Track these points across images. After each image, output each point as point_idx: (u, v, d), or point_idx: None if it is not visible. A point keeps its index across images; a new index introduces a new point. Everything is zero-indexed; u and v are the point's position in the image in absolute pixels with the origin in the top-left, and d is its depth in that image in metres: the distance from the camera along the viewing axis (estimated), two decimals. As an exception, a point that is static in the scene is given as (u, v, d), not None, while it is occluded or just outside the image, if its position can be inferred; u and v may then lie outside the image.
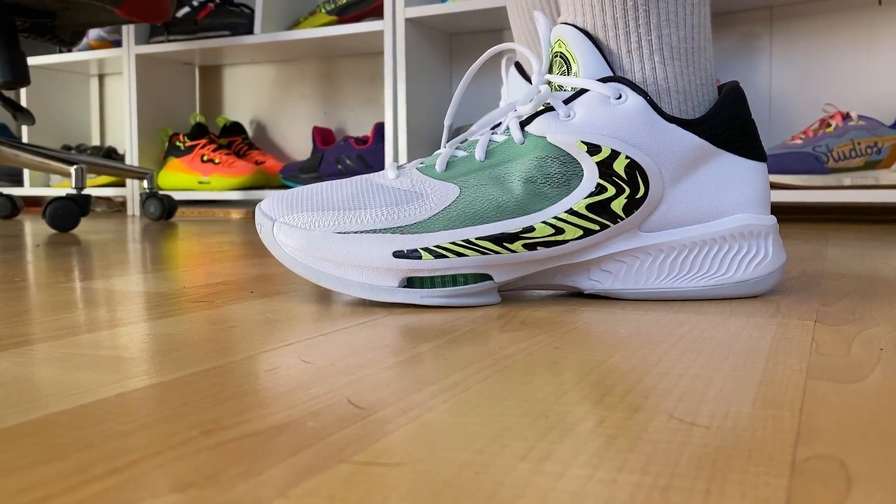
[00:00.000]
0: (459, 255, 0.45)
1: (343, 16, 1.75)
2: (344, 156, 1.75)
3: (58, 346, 0.35)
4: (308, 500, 0.18)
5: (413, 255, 0.45)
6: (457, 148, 0.49)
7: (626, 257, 0.47)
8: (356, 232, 0.46)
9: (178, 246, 0.96)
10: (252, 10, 1.94)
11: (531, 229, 0.45)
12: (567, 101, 0.46)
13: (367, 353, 0.34)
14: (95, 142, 2.35)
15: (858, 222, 1.37)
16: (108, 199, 2.25)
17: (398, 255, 0.45)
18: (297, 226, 0.47)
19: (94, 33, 2.09)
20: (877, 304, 0.46)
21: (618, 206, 0.45)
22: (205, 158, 1.90)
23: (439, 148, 1.77)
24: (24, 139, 2.16)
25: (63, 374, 0.30)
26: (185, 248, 0.92)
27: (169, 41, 1.92)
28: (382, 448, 0.21)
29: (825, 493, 0.18)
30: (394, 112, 1.65)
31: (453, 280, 0.46)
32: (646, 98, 0.45)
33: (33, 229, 1.34)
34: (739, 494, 0.18)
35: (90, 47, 2.08)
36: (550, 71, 0.49)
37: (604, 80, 0.46)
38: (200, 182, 1.88)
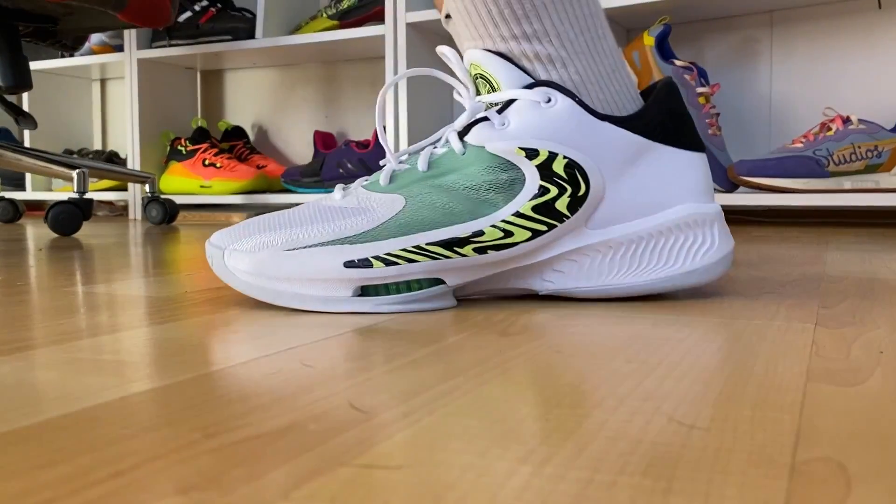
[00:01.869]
0: (410, 261, 0.46)
1: (344, 20, 1.76)
2: (345, 160, 1.76)
3: (60, 351, 0.35)
4: (309, 502, 0.18)
5: (364, 263, 0.46)
6: (400, 162, 0.50)
7: (576, 256, 0.48)
8: (305, 247, 0.46)
9: (179, 250, 0.97)
10: (253, 15, 1.95)
11: (480, 233, 0.46)
12: (499, 112, 0.48)
13: (367, 357, 0.34)
14: (97, 146, 2.36)
15: (859, 226, 1.37)
16: (109, 203, 2.25)
17: (349, 265, 0.46)
18: (245, 250, 0.47)
19: (95, 38, 2.10)
20: (877, 307, 0.47)
21: (562, 205, 0.46)
22: (206, 162, 1.90)
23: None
24: (27, 143, 2.17)
25: (65, 378, 0.30)
26: (187, 253, 0.92)
27: (171, 46, 1.92)
28: (383, 451, 0.22)
29: (824, 496, 0.18)
30: (395, 117, 1.66)
31: (407, 286, 0.46)
32: (574, 99, 0.46)
33: (35, 233, 1.34)
34: (739, 496, 0.18)
35: (92, 52, 2.09)
36: (478, 93, 0.50)
37: (529, 86, 0.47)
38: (202, 186, 1.89)
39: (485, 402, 0.27)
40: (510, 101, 0.47)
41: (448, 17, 0.70)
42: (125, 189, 2.03)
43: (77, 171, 1.29)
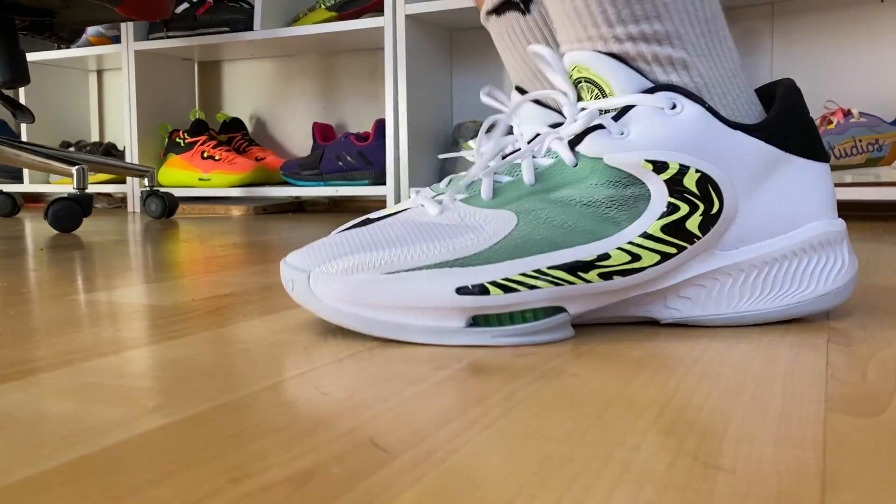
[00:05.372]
0: (531, 287, 0.41)
1: (343, 12, 1.74)
2: (345, 152, 1.75)
3: (69, 375, 0.35)
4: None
5: (480, 290, 0.41)
6: (496, 173, 0.45)
7: (705, 280, 0.44)
8: (409, 270, 0.41)
9: (181, 250, 0.96)
10: (251, 5, 1.93)
11: (606, 256, 0.42)
12: (615, 119, 0.43)
13: (384, 382, 0.34)
14: (95, 137, 2.35)
15: (860, 219, 1.37)
16: (108, 195, 2.24)
17: (462, 291, 0.41)
18: (337, 272, 0.42)
19: (92, 29, 2.08)
20: (886, 318, 0.46)
21: (693, 224, 0.42)
22: (205, 155, 1.89)
23: (440, 147, 1.76)
24: (24, 136, 2.15)
25: (79, 408, 0.30)
26: (189, 253, 0.92)
27: (168, 37, 1.91)
28: (412, 500, 0.21)
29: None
30: (394, 109, 1.65)
31: (522, 316, 0.41)
32: (703, 105, 0.43)
33: (34, 229, 1.34)
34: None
35: (89, 43, 2.07)
36: (580, 99, 0.46)
37: (650, 91, 0.43)
38: (201, 179, 1.88)
39: (506, 438, 0.26)
40: (627, 108, 0.43)
41: (490, 13, 0.68)
42: (124, 182, 2.03)
43: (76, 167, 1.28)
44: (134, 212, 1.98)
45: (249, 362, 0.38)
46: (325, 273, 0.42)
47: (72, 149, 2.14)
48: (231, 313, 0.51)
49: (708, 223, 0.42)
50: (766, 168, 0.44)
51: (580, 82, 0.45)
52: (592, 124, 0.43)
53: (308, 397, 0.32)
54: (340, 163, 1.75)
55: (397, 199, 1.67)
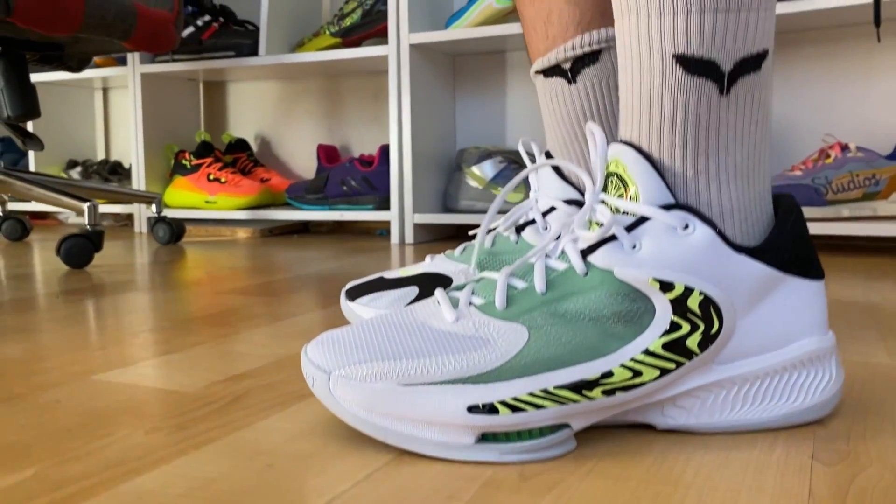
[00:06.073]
0: (538, 406, 0.43)
1: (347, 38, 1.77)
2: (349, 177, 1.78)
3: (106, 501, 0.38)
4: None
5: (489, 409, 0.43)
6: (511, 274, 0.48)
7: (700, 392, 0.46)
8: (424, 384, 0.43)
9: (192, 298, 0.99)
10: (256, 27, 1.96)
11: (609, 374, 0.44)
12: (629, 229, 0.45)
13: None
14: (101, 154, 2.37)
15: (858, 253, 1.39)
16: (115, 214, 2.27)
17: (473, 409, 0.43)
18: (357, 378, 0.44)
19: (98, 51, 2.11)
20: (871, 420, 0.49)
21: (693, 342, 0.45)
22: (211, 177, 1.92)
23: (444, 172, 1.79)
24: (31, 155, 2.18)
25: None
26: (200, 302, 0.95)
27: (174, 61, 1.93)
28: None
29: None
30: (398, 135, 1.67)
31: (528, 432, 0.44)
32: (714, 229, 0.45)
33: (45, 261, 1.36)
34: None
35: (95, 64, 2.10)
36: (605, 189, 0.48)
37: (667, 207, 0.45)
38: (207, 201, 1.91)
39: None
40: (642, 219, 0.45)
41: (539, 73, 0.68)
42: (130, 202, 2.05)
43: (87, 204, 1.31)
44: (141, 232, 2.00)
45: (275, 486, 0.40)
46: (344, 378, 0.44)
47: (78, 168, 2.17)
48: (249, 405, 0.54)
49: (707, 342, 0.45)
50: (764, 289, 0.46)
51: (611, 175, 0.47)
52: (608, 235, 0.45)
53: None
54: (345, 187, 1.78)
55: (401, 226, 1.69)
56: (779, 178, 1.38)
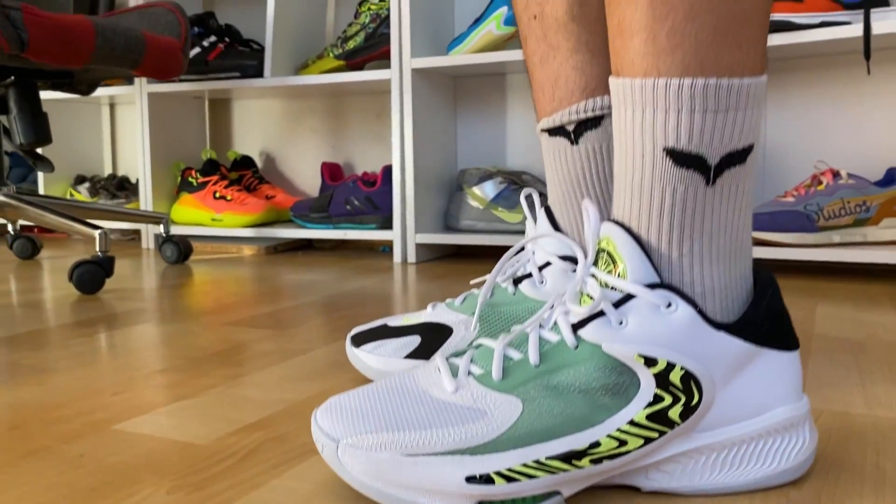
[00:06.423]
0: (531, 476, 0.47)
1: (350, 60, 1.80)
2: (353, 197, 1.81)
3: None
4: None
5: (486, 479, 0.46)
6: (507, 344, 0.51)
7: (681, 458, 0.50)
8: (425, 454, 0.47)
9: (202, 333, 1.02)
10: (261, 46, 1.99)
11: (597, 444, 0.47)
12: (617, 305, 0.48)
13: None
14: (108, 169, 2.41)
15: (849, 278, 1.43)
16: (121, 229, 2.31)
17: (471, 479, 0.46)
18: (363, 447, 0.48)
19: (106, 69, 2.14)
20: (842, 478, 0.53)
21: (675, 413, 0.48)
22: (217, 195, 1.95)
23: (445, 192, 1.82)
24: (40, 178, 2.22)
25: None
26: (210, 339, 0.98)
27: (180, 81, 1.97)
28: None
29: None
30: (401, 156, 1.71)
31: (523, 500, 0.47)
32: (695, 308, 0.48)
33: (56, 287, 1.40)
34: None
35: (104, 84, 2.13)
36: (596, 263, 0.51)
37: (652, 286, 0.48)
38: (213, 219, 1.94)
39: None
40: (629, 296, 0.48)
41: (544, 131, 0.72)
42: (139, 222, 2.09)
43: (99, 231, 1.35)
44: (148, 248, 2.04)
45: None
46: (352, 447, 0.48)
47: (87, 183, 2.20)
48: (263, 460, 0.57)
49: (688, 412, 0.48)
50: (741, 362, 0.49)
51: (602, 251, 0.50)
52: (596, 311, 0.49)
53: None
54: (348, 206, 1.81)
55: (403, 245, 1.73)
56: (772, 204, 1.42)
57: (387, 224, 1.78)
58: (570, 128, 0.69)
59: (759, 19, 0.48)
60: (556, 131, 0.70)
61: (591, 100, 0.67)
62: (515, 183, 1.72)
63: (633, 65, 0.48)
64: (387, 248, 1.97)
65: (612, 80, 0.51)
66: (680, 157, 0.48)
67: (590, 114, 0.67)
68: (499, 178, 1.72)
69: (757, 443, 0.50)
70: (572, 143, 0.69)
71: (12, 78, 1.43)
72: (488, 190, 1.71)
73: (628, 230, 0.49)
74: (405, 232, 1.73)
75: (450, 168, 1.86)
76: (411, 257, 1.73)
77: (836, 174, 1.40)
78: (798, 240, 1.38)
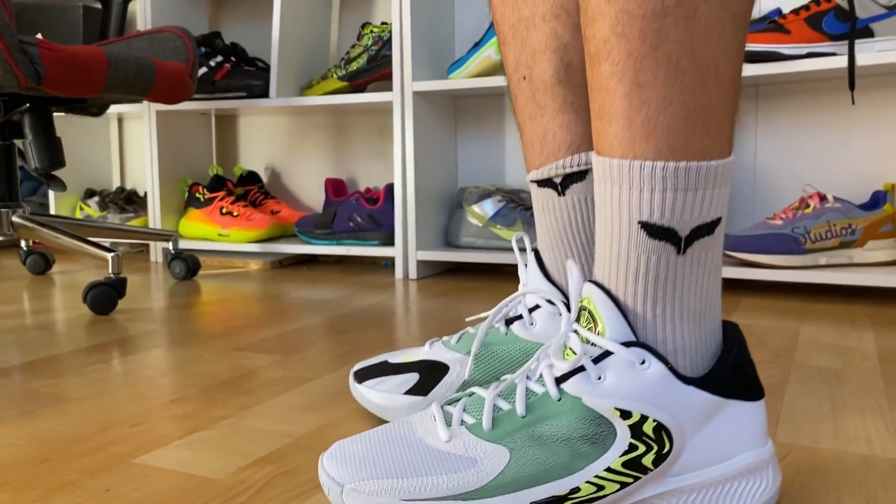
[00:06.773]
0: None
1: (354, 81, 1.85)
2: (356, 214, 1.86)
3: None
4: None
5: None
6: (497, 395, 0.56)
7: (654, 500, 0.55)
8: (422, 500, 0.52)
9: (213, 359, 1.08)
10: (267, 65, 2.04)
11: (577, 490, 0.52)
12: (596, 360, 0.54)
13: None
14: (116, 182, 2.46)
15: (833, 300, 1.47)
16: (130, 242, 2.36)
17: None
18: (365, 492, 0.53)
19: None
20: (804, 518, 0.58)
21: (648, 460, 0.53)
22: (223, 211, 2.01)
23: (446, 209, 1.87)
24: (50, 194, 2.27)
25: None
26: (221, 366, 1.03)
27: (188, 100, 2.02)
28: None
29: None
30: (402, 175, 1.76)
31: None
32: (666, 365, 0.53)
33: (70, 307, 1.45)
34: None
35: (111, 100, 2.18)
36: (578, 319, 0.56)
37: (627, 344, 0.53)
38: (220, 234, 2.00)
39: None
40: (607, 353, 0.53)
41: (533, 182, 0.77)
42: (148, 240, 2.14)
43: (111, 254, 1.40)
44: (156, 262, 2.09)
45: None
46: (355, 491, 0.54)
47: (96, 197, 2.26)
48: (275, 496, 0.62)
49: (660, 460, 0.53)
50: (710, 413, 0.55)
51: (584, 309, 0.55)
52: (577, 366, 0.54)
53: None
54: (351, 223, 1.87)
55: (405, 261, 1.78)
56: (760, 226, 1.47)
57: (389, 240, 1.84)
58: (558, 180, 0.74)
59: (727, 108, 0.53)
60: (544, 183, 0.75)
61: (577, 155, 0.72)
62: (514, 201, 1.77)
63: (612, 146, 0.53)
64: (388, 262, 2.03)
65: (594, 157, 0.56)
66: (653, 230, 0.53)
67: (575, 168, 0.72)
68: (497, 196, 1.77)
69: (724, 485, 0.55)
70: (559, 194, 0.74)
71: (27, 105, 1.48)
72: (487, 208, 1.76)
73: (607, 292, 0.54)
74: (407, 248, 1.78)
75: (450, 186, 1.91)
76: (412, 273, 1.78)
77: (822, 197, 1.45)
78: (785, 262, 1.43)
